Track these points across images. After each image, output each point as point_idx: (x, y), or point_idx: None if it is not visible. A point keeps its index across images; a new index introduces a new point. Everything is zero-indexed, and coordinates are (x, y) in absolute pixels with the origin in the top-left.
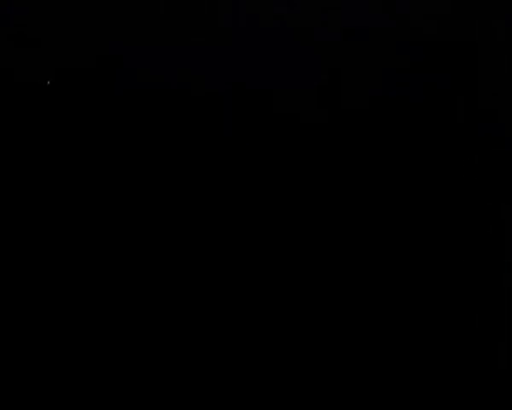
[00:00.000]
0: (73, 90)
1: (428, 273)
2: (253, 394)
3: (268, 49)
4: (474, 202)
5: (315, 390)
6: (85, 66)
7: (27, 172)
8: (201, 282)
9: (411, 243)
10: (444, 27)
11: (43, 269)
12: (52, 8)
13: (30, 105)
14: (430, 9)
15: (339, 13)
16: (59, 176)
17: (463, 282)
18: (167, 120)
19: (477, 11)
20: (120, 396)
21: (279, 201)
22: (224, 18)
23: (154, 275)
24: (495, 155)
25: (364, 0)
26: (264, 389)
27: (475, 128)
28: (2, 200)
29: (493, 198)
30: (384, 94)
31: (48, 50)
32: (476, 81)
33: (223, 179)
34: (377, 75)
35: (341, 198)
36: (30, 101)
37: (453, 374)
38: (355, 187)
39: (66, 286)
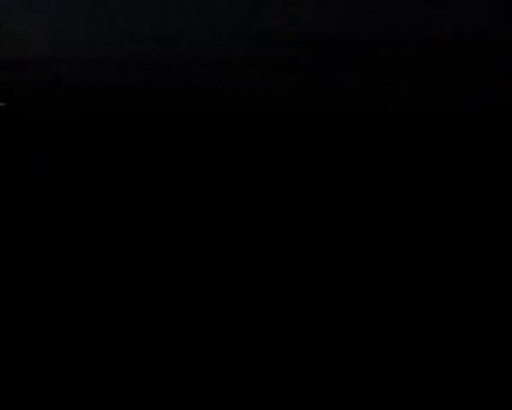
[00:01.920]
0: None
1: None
2: (254, 393)
3: None
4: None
5: (316, 390)
6: None
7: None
8: (207, 280)
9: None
10: None
11: (43, 272)
12: None
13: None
14: None
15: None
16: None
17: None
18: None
19: None
20: (120, 396)
21: (279, 202)
22: None
23: (159, 273)
24: None
25: None
26: (265, 388)
27: None
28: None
29: None
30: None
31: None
32: None
33: (221, 180)
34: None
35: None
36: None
37: (458, 374)
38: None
39: (66, 288)
